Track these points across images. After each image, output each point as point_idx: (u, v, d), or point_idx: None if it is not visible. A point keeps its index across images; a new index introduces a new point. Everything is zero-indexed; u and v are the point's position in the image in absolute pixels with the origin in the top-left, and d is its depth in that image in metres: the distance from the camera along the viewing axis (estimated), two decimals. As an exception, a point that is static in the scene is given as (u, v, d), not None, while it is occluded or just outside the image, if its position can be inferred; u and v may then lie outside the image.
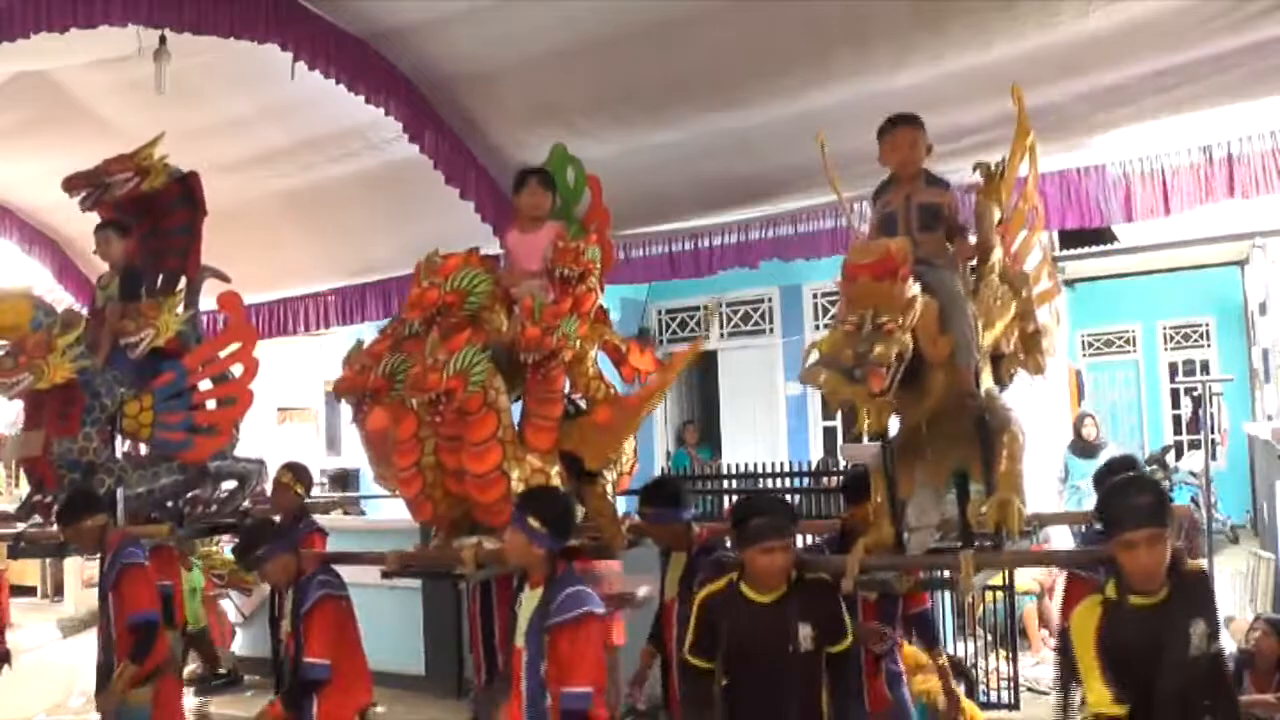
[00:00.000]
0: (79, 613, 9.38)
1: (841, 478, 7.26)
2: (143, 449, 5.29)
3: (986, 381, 3.46)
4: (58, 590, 10.89)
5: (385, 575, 4.20)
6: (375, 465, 4.53)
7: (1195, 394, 10.79)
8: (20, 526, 5.01)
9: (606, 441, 4.20)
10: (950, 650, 4.49)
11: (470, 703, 4.85)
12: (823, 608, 3.32)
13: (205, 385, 5.34)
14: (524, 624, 3.42)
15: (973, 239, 3.66)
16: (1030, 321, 3.74)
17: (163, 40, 5.26)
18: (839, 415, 11.29)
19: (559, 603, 3.30)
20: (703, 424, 12.08)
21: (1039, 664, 7.55)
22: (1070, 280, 10.95)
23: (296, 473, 5.68)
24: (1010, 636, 6.74)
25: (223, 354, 5.35)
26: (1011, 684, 6.59)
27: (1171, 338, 13.08)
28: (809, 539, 4.62)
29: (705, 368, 11.99)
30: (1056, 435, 8.88)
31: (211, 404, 5.29)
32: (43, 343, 4.63)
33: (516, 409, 4.17)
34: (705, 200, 6.49)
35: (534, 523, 3.35)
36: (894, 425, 3.49)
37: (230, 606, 8.30)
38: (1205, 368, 12.53)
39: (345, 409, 4.38)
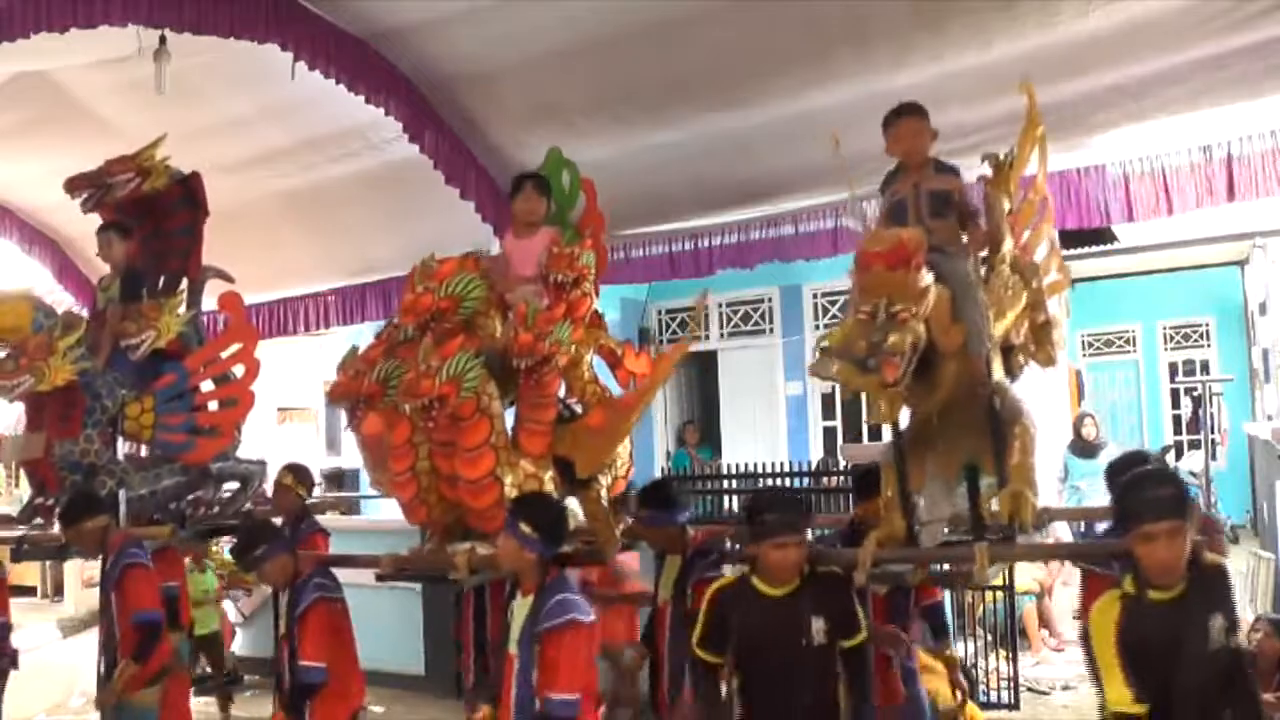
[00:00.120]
0: (79, 613, 9.37)
1: (841, 476, 7.30)
2: (144, 451, 5.29)
3: (997, 372, 3.43)
4: (58, 590, 10.88)
5: (379, 578, 4.21)
6: (371, 469, 4.54)
7: (1195, 394, 10.80)
8: (22, 529, 5.01)
9: (600, 445, 4.20)
10: (933, 644, 4.49)
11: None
12: (835, 602, 3.30)
13: (207, 386, 5.33)
14: (516, 631, 3.43)
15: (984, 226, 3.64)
16: (1041, 312, 3.71)
17: (163, 40, 5.27)
18: (839, 415, 11.30)
19: (549, 609, 3.31)
20: (703, 424, 12.08)
21: (1039, 664, 7.56)
22: (1070, 280, 10.94)
23: (298, 474, 5.68)
24: (1010, 636, 6.74)
25: (224, 355, 5.35)
26: (1011, 684, 6.59)
27: (1171, 338, 13.08)
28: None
29: (705, 368, 11.99)
30: (1056, 435, 8.88)
31: (213, 405, 5.29)
32: (44, 345, 4.63)
33: (510, 414, 4.17)
34: (705, 200, 6.49)
35: (526, 529, 3.36)
36: (903, 418, 3.48)
37: (230, 606, 8.29)
38: (1205, 368, 12.53)
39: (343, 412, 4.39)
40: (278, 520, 5.49)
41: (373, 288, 7.99)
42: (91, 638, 7.50)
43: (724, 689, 3.37)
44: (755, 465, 7.80)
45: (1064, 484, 8.58)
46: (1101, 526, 7.28)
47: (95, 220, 5.42)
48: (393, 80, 5.66)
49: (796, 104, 5.38)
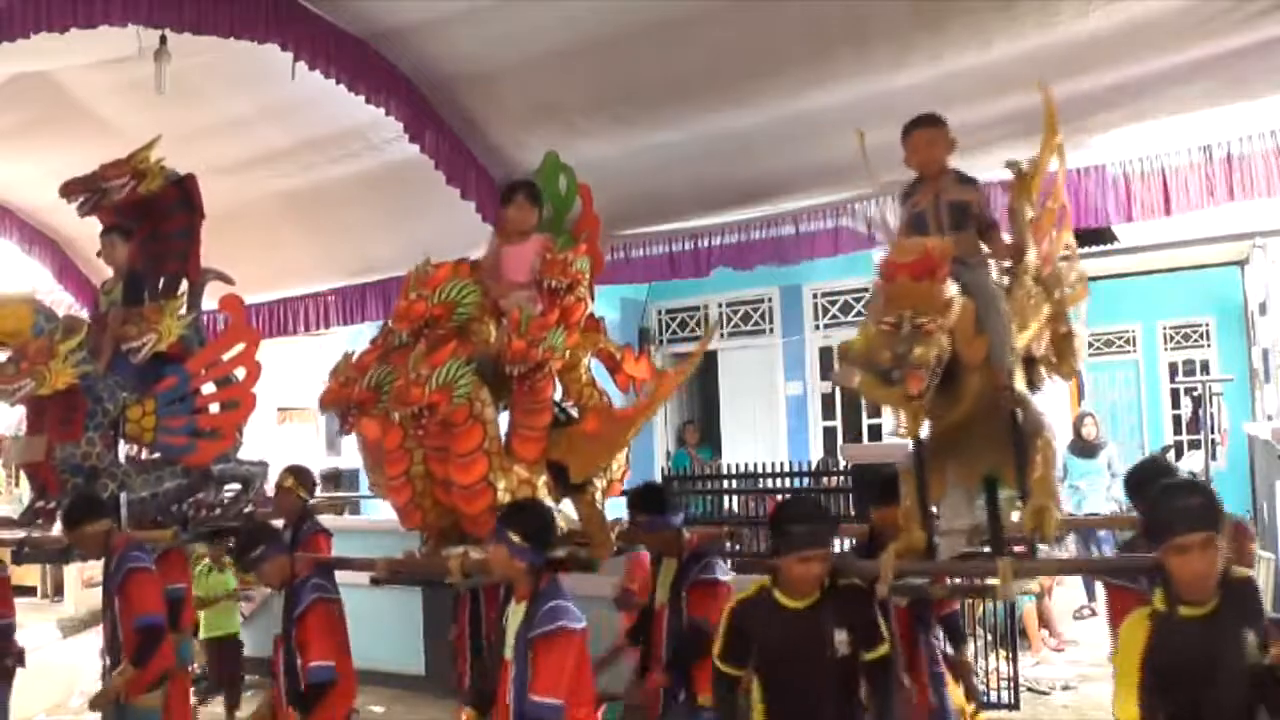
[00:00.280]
0: (79, 613, 9.36)
1: (841, 476, 7.29)
2: (145, 453, 5.28)
3: (1019, 385, 3.41)
4: (58, 590, 10.88)
5: (374, 582, 4.22)
6: (370, 471, 4.55)
7: (1195, 394, 10.78)
8: (24, 532, 5.00)
9: (594, 451, 4.22)
10: (950, 650, 4.49)
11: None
12: (857, 613, 3.27)
13: (208, 389, 5.33)
14: (511, 638, 3.43)
15: (1005, 237, 3.62)
16: (1063, 323, 3.67)
17: (163, 40, 5.26)
18: (839, 415, 11.30)
19: (541, 615, 3.32)
20: (703, 424, 12.08)
21: (1039, 664, 7.56)
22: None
23: (299, 476, 5.68)
24: (1010, 637, 6.74)
25: (225, 357, 5.34)
26: (1011, 684, 6.59)
27: (1171, 338, 13.06)
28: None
29: (705, 368, 12.00)
30: (1056, 435, 8.86)
31: (214, 408, 5.29)
32: (44, 348, 4.63)
33: (504, 419, 4.18)
34: (705, 200, 6.49)
35: (515, 538, 3.36)
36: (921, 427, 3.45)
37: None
38: (1205, 368, 12.51)
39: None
40: (279, 522, 5.50)
41: (373, 288, 7.99)
42: (91, 638, 7.51)
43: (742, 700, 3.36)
44: (755, 465, 7.80)
45: (1063, 484, 8.57)
46: (1102, 533, 7.31)
47: (95, 221, 5.42)
48: (393, 80, 5.65)
49: (796, 104, 5.39)
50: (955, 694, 4.45)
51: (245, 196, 6.92)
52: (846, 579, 3.35)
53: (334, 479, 11.41)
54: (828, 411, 11.40)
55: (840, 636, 3.18)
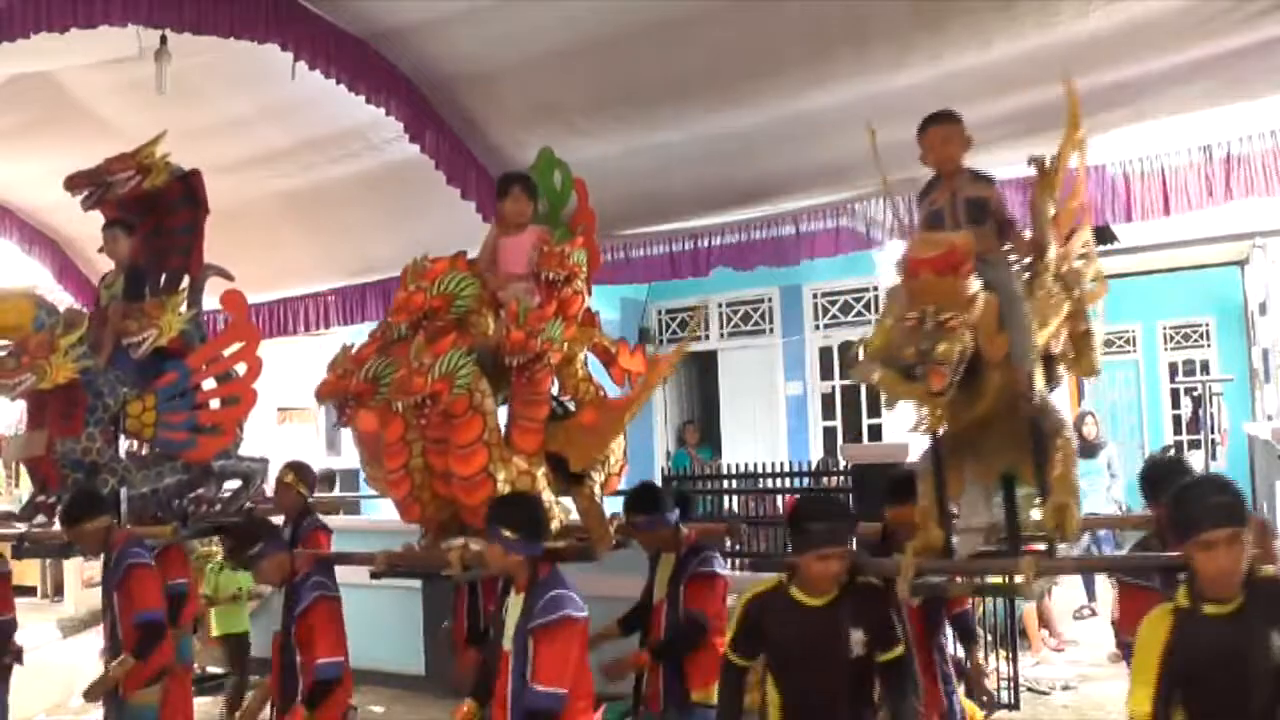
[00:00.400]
0: (79, 613, 9.36)
1: (841, 476, 7.29)
2: (146, 449, 5.29)
3: (1039, 383, 3.36)
4: (58, 590, 10.87)
5: (374, 576, 4.22)
6: (367, 466, 4.55)
7: (1195, 394, 10.78)
8: (24, 527, 5.01)
9: (592, 443, 4.22)
10: (950, 650, 4.48)
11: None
12: (874, 613, 3.24)
13: (208, 384, 5.33)
14: (510, 628, 3.44)
15: (1025, 234, 3.59)
16: (1082, 321, 3.62)
17: (163, 40, 5.26)
18: (839, 415, 11.30)
19: (542, 605, 3.32)
20: (703, 424, 12.08)
21: (1039, 664, 7.56)
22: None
23: (299, 472, 5.69)
24: (1010, 636, 6.74)
25: (226, 353, 5.35)
26: (1011, 684, 6.59)
27: (1171, 338, 13.07)
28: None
29: (705, 368, 12.00)
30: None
31: (215, 403, 5.29)
32: (45, 343, 4.63)
33: (503, 412, 4.18)
34: (705, 200, 6.49)
35: (506, 533, 3.37)
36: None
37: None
38: (1205, 368, 12.52)
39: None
40: (279, 518, 5.50)
41: (373, 288, 8.00)
42: (91, 638, 7.51)
43: (748, 695, 3.34)
44: (755, 465, 7.80)
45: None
46: (1102, 533, 7.29)
47: (96, 221, 5.42)
48: (393, 80, 5.66)
49: (797, 104, 5.39)
50: (962, 698, 4.45)
51: (245, 196, 6.92)
52: (864, 578, 3.32)
53: (329, 480, 11.40)
54: (828, 411, 11.39)
55: (856, 636, 3.15)
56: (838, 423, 11.27)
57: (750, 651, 3.34)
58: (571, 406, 4.38)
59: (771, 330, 11.61)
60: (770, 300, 11.56)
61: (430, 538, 4.19)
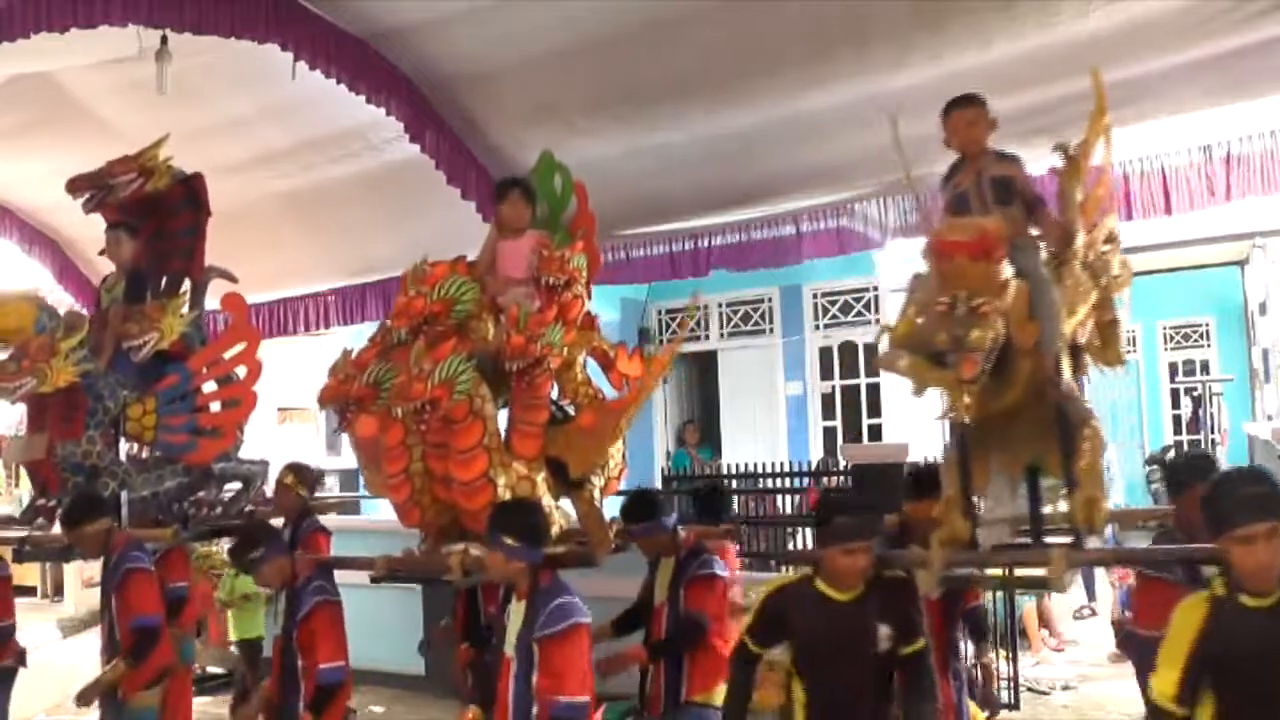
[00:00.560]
0: (79, 613, 9.35)
1: (842, 476, 7.29)
2: (146, 452, 5.28)
3: (1066, 372, 3.30)
4: (58, 590, 10.87)
5: (374, 580, 4.22)
6: (365, 470, 4.55)
7: (1195, 394, 10.78)
8: (24, 531, 5.00)
9: (591, 447, 4.22)
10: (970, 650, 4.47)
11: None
12: (899, 607, 3.22)
13: (209, 387, 5.33)
14: (512, 635, 3.43)
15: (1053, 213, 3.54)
16: (1108, 310, 3.57)
17: (164, 41, 5.26)
18: (839, 415, 11.30)
19: (548, 614, 3.31)
20: (703, 424, 12.08)
21: (1039, 664, 7.56)
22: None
23: (299, 473, 5.68)
24: (1010, 636, 6.74)
25: (226, 356, 5.34)
26: (1011, 684, 6.59)
27: (1171, 338, 13.07)
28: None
29: (705, 368, 12.00)
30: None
31: (215, 406, 5.29)
32: (46, 346, 4.62)
33: (502, 416, 4.18)
34: (705, 201, 6.49)
35: (508, 540, 3.36)
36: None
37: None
38: (1205, 368, 12.52)
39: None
40: (279, 520, 5.49)
41: (373, 288, 8.00)
42: (91, 638, 7.49)
43: (775, 696, 3.32)
44: (755, 465, 7.80)
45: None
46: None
47: (97, 221, 5.42)
48: (393, 80, 5.66)
49: (797, 104, 5.39)
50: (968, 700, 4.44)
51: (246, 196, 6.92)
52: (890, 571, 3.30)
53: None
54: (828, 411, 11.39)
55: (884, 631, 3.13)
56: (838, 423, 11.27)
57: (767, 641, 3.32)
58: (571, 411, 4.38)
59: (771, 330, 11.61)
60: (770, 300, 11.56)
61: (430, 542, 4.19)
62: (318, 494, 6.40)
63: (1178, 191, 5.17)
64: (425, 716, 7.16)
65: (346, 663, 4.16)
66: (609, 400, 4.39)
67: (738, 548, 5.53)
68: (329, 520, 6.14)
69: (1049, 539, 3.29)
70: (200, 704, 7.57)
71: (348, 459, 11.34)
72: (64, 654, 8.21)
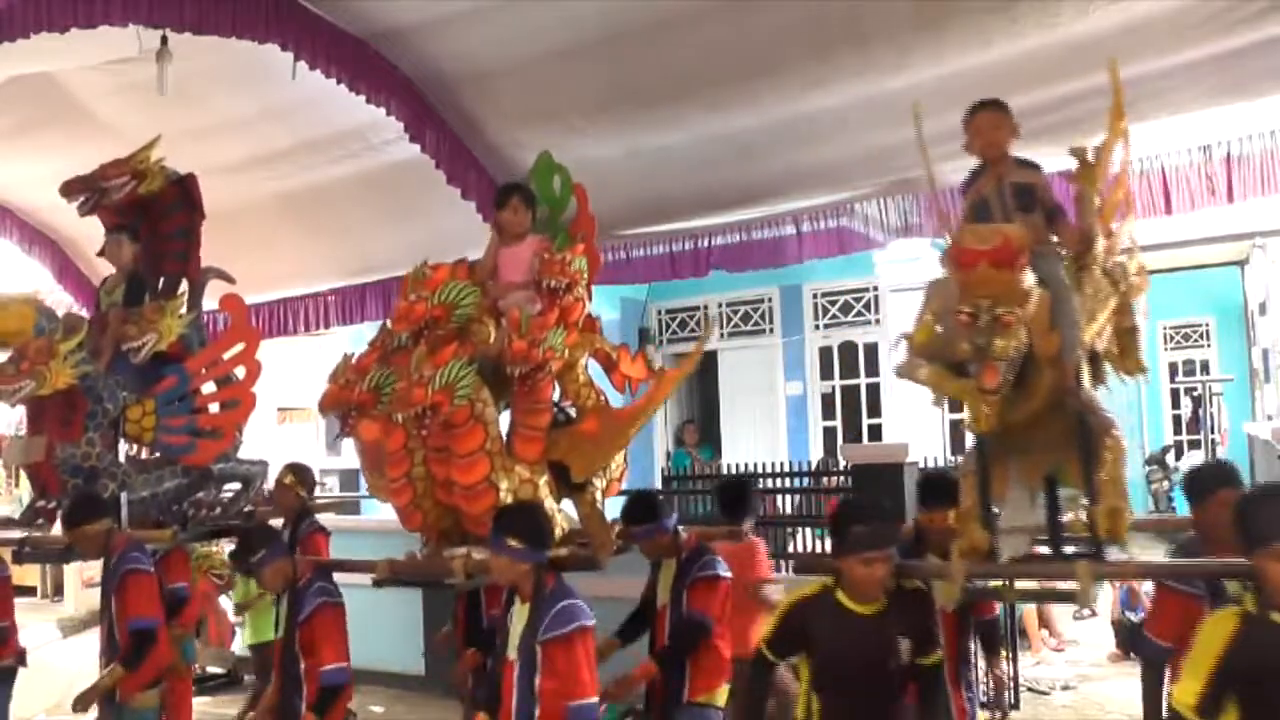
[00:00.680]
0: (79, 613, 9.35)
1: (842, 476, 7.29)
2: (145, 453, 5.28)
3: (1086, 381, 3.27)
4: (58, 591, 10.87)
5: (376, 584, 4.22)
6: (367, 474, 4.55)
7: (1195, 394, 10.80)
8: (24, 532, 5.00)
9: (594, 452, 4.22)
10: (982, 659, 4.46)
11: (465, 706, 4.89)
12: (918, 619, 3.20)
13: (208, 388, 5.33)
14: (515, 638, 3.43)
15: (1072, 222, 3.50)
16: (1128, 317, 3.50)
17: (164, 41, 5.26)
18: (839, 415, 11.30)
19: (552, 617, 3.32)
20: (703, 424, 12.09)
21: (1039, 664, 7.56)
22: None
23: (298, 473, 5.68)
24: (1010, 637, 6.74)
25: (225, 357, 5.34)
26: (1011, 684, 6.59)
27: (1171, 338, 13.08)
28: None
29: (705, 368, 12.00)
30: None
31: (214, 407, 5.28)
32: (45, 348, 4.61)
33: (504, 419, 4.18)
34: (705, 201, 6.49)
35: (513, 542, 3.36)
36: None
37: (230, 607, 8.30)
38: (1205, 368, 12.53)
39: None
40: (278, 520, 5.49)
41: (372, 288, 7.99)
42: (92, 638, 7.49)
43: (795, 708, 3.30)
44: (755, 465, 7.80)
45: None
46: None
47: (96, 221, 5.41)
48: (393, 80, 5.65)
49: (797, 105, 5.39)
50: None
51: (246, 197, 6.92)
52: (910, 582, 3.25)
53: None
54: (828, 411, 11.40)
55: (904, 644, 3.09)
56: (838, 423, 11.28)
57: (786, 651, 3.31)
58: (573, 413, 4.38)
59: (771, 330, 11.62)
60: (770, 300, 11.57)
61: (432, 546, 4.19)
62: (316, 495, 6.42)
63: (1178, 191, 5.16)
64: (425, 716, 7.16)
65: (348, 664, 4.16)
66: (615, 408, 4.39)
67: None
68: (329, 520, 6.15)
69: (1067, 549, 3.26)
70: (200, 704, 7.58)
71: (348, 459, 11.35)
72: (64, 654, 8.21)
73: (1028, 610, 7.64)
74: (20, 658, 5.00)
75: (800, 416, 11.41)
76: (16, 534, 4.99)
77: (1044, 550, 3.35)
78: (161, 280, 5.45)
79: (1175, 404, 13.07)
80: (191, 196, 5.48)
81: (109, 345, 5.03)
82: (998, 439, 3.21)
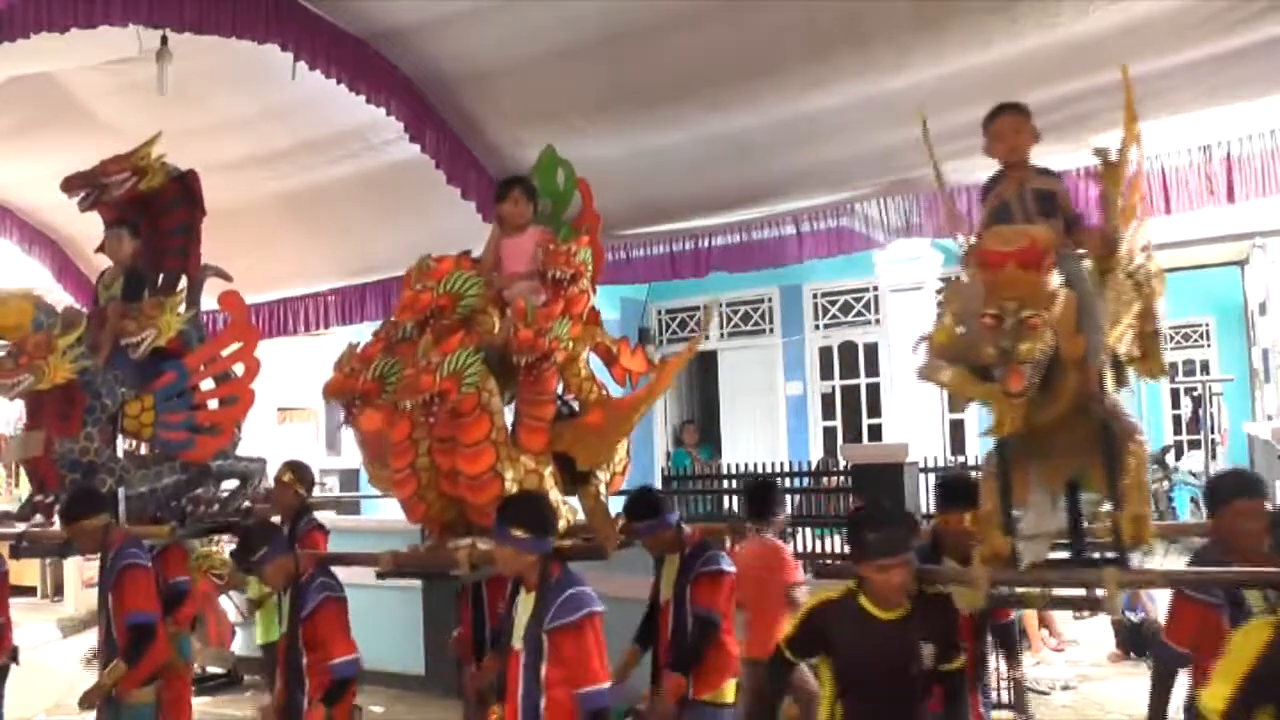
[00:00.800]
0: (79, 613, 9.38)
1: (842, 476, 7.28)
2: (144, 449, 5.29)
3: (1109, 385, 3.23)
4: (58, 590, 10.89)
5: (380, 576, 4.21)
6: (369, 466, 4.55)
7: (1195, 394, 10.80)
8: (22, 526, 5.01)
9: (599, 443, 4.22)
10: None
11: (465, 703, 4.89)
12: (941, 624, 3.18)
13: (207, 385, 5.33)
14: (521, 628, 3.42)
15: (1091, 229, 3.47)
16: (1150, 320, 3.45)
17: (164, 41, 5.26)
18: (839, 415, 11.30)
19: (559, 605, 3.31)
20: (703, 424, 12.09)
21: (1039, 664, 7.55)
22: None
23: (297, 471, 5.68)
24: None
25: (224, 353, 5.35)
26: (1014, 685, 6.59)
27: (1171, 338, 13.06)
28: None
29: (705, 368, 12.00)
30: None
31: (213, 403, 5.29)
32: (43, 343, 4.62)
33: (509, 410, 4.18)
34: (705, 201, 6.49)
35: (519, 533, 3.35)
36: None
37: (230, 606, 8.30)
38: (1205, 368, 12.53)
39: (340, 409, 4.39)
40: (276, 518, 5.49)
41: (372, 288, 7.99)
42: (91, 638, 7.51)
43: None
44: (755, 465, 7.79)
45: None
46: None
47: (96, 220, 5.42)
48: (393, 80, 5.66)
49: (797, 105, 5.39)
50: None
51: (245, 197, 6.92)
52: (933, 587, 3.23)
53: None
54: (828, 411, 11.40)
55: (928, 650, 3.08)
56: (838, 423, 11.28)
57: (806, 653, 3.31)
58: (576, 406, 4.38)
59: (771, 330, 11.62)
60: (770, 300, 11.57)
61: (436, 538, 4.18)
62: (315, 494, 6.41)
63: (1178, 191, 5.16)
64: (425, 716, 7.16)
65: (359, 655, 4.17)
66: (616, 399, 4.39)
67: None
68: (328, 520, 6.15)
69: (1087, 555, 3.24)
70: (200, 704, 7.59)
71: (348, 458, 11.36)
72: (64, 654, 8.22)
73: (1027, 610, 7.64)
74: (13, 656, 5.00)
75: (800, 416, 11.41)
76: (15, 529, 4.99)
77: (1059, 556, 3.32)
78: (161, 276, 5.45)
79: (1175, 404, 13.07)
80: (192, 193, 5.49)
81: (108, 340, 5.03)
82: (1019, 443, 3.17)
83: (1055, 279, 2.84)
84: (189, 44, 5.06)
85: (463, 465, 3.83)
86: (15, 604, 5.15)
